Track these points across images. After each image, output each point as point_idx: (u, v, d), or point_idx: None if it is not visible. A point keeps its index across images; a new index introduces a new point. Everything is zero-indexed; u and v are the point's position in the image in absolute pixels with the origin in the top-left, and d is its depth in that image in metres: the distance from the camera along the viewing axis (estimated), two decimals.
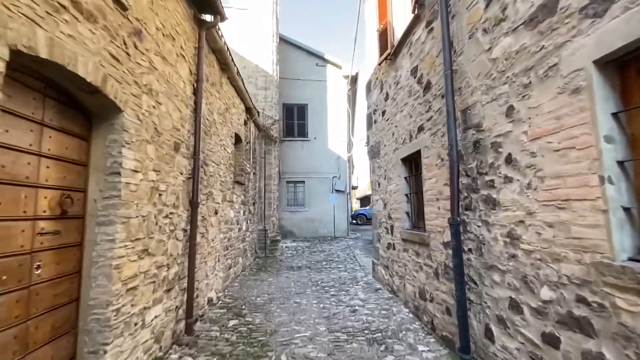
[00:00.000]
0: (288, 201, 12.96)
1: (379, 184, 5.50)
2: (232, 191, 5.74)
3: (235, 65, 5.44)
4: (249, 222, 7.49)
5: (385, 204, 5.09)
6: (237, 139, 6.37)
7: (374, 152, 5.82)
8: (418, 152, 3.73)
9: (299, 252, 9.29)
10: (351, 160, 13.22)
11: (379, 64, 5.25)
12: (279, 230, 12.04)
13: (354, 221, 22.28)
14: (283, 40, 12.84)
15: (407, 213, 4.24)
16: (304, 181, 12.94)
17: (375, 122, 5.69)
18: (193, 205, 3.48)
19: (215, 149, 4.71)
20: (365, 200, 35.78)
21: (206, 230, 4.24)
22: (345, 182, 12.98)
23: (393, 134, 4.64)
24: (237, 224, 6.25)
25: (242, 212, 6.64)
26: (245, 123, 7.04)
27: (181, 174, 3.30)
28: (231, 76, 5.43)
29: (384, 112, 5.13)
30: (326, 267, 7.00)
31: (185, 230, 3.39)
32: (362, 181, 31.87)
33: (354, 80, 13.49)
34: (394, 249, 4.64)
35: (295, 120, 13.16)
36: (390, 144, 4.77)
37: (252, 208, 7.87)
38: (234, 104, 5.94)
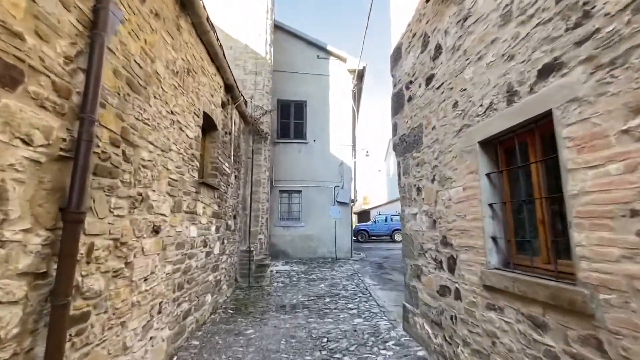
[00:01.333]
0: (281, 214, 11.03)
1: (418, 189, 3.68)
2: (194, 197, 3.86)
3: (206, 11, 3.68)
4: (226, 241, 5.56)
5: (434, 221, 3.25)
6: (210, 124, 4.53)
7: (407, 144, 4.02)
8: (536, 121, 1.94)
9: (294, 280, 7.33)
10: (355, 168, 11.42)
11: (422, 10, 3.54)
12: (269, 251, 10.05)
13: (354, 237, 20.35)
14: (279, 29, 11.25)
15: (494, 239, 2.39)
16: (300, 191, 11.08)
17: (410, 99, 3.93)
18: (68, 218, 1.60)
19: (161, 124, 2.86)
20: (363, 215, 33.87)
21: (127, 264, 2.33)
22: (350, 193, 11.15)
23: (456, 104, 2.85)
24: (205, 247, 4.32)
25: (213, 228, 4.73)
26: (224, 106, 5.22)
27: (27, 143, 1.43)
28: (198, 23, 3.66)
29: (430, 78, 3.37)
30: (331, 308, 5.05)
31: (36, 277, 1.49)
32: (358, 194, 30.09)
33: (360, 76, 11.88)
34: (459, 298, 2.77)
35: (292, 120, 11.42)
36: (448, 123, 2.98)
37: (231, 222, 5.96)
38: (204, 69, 4.13)
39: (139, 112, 2.47)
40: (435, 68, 3.26)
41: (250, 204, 7.07)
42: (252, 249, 6.87)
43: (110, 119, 2.08)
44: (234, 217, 6.22)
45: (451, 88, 2.93)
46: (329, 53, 11.83)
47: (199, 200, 4.01)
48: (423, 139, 3.55)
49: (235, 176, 6.25)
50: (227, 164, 5.47)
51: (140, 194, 2.52)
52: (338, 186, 11.08)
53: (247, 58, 7.79)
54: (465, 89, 2.70)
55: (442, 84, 3.12)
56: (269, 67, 8.20)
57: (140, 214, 2.52)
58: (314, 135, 11.33)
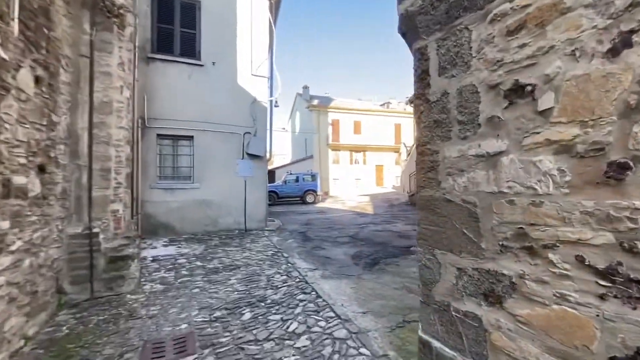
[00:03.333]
0: (161, 171, 7.64)
1: (512, 94, 1.51)
2: None
3: None
4: (10, 222, 2.39)
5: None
6: None
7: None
8: None
9: (182, 273, 4.61)
10: (272, 110, 8.74)
11: None
12: (143, 226, 6.78)
13: None
14: None
15: None
16: (191, 137, 7.80)
17: None
18: None
19: None
20: (268, 175, 31.63)
21: None
22: (265, 143, 8.51)
23: None
24: None
25: None
26: None
27: None
28: None
29: None
30: (259, 338, 2.71)
31: None
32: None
33: None
34: None
35: (177, 27, 7.66)
36: None
37: (28, 180, 2.72)
38: None
39: None
40: None
41: (90, 146, 3.75)
42: (95, 230, 3.74)
43: None
44: (41, 169, 2.95)
45: None
46: None
47: None
48: None
49: (38, 79, 2.86)
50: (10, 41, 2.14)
51: None
52: (249, 133, 8.28)
53: None
54: None
55: None
56: None
57: None
58: (213, 56, 7.93)
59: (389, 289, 3.96)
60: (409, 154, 21.36)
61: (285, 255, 5.67)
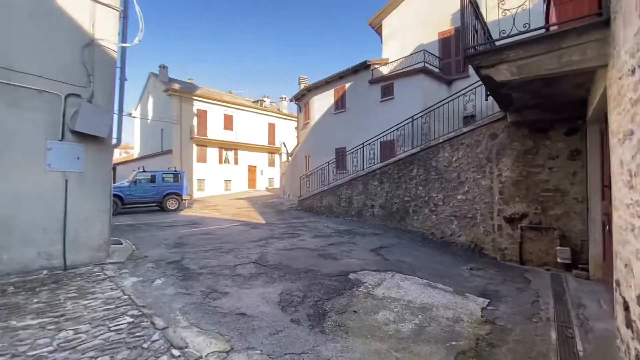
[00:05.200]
0: None
1: None
2: None
3: None
4: None
5: None
6: None
7: None
8: None
9: None
10: (125, 60, 5.47)
11: None
12: None
13: None
14: None
15: None
16: None
17: None
18: None
19: None
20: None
21: None
22: (112, 116, 5.16)
23: None
24: None
25: None
26: None
27: None
28: None
29: None
30: None
31: None
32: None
33: None
34: None
35: None
36: None
37: None
38: None
39: None
40: None
41: None
42: None
43: None
44: None
45: None
46: None
47: None
48: None
49: None
50: None
51: None
52: (78, 96, 4.79)
53: None
54: None
55: None
56: None
57: None
58: None
59: None
60: (291, 155, 20.27)
61: (159, 324, 3.02)
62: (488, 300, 3.98)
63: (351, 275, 4.72)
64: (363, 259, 5.64)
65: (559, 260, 5.26)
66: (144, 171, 14.08)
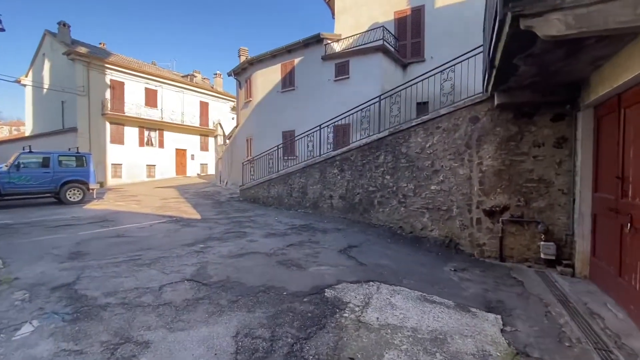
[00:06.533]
0: None
1: None
2: None
3: None
4: None
5: None
6: None
7: None
8: None
9: None
10: None
11: None
12: None
13: None
14: None
15: None
16: None
17: None
18: None
19: None
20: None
21: None
22: None
23: None
24: None
25: None
26: None
27: None
28: None
29: None
30: None
31: None
32: None
33: None
34: None
35: None
36: None
37: None
38: None
39: None
40: None
41: None
42: None
43: None
44: None
45: None
46: None
47: None
48: None
49: None
50: None
51: None
52: None
53: None
54: None
55: None
56: None
57: None
58: None
59: None
60: (229, 138, 18.16)
61: None
62: (500, 317, 3.27)
63: (328, 293, 3.62)
64: (335, 265, 4.59)
65: (542, 256, 4.90)
66: (30, 152, 10.86)
